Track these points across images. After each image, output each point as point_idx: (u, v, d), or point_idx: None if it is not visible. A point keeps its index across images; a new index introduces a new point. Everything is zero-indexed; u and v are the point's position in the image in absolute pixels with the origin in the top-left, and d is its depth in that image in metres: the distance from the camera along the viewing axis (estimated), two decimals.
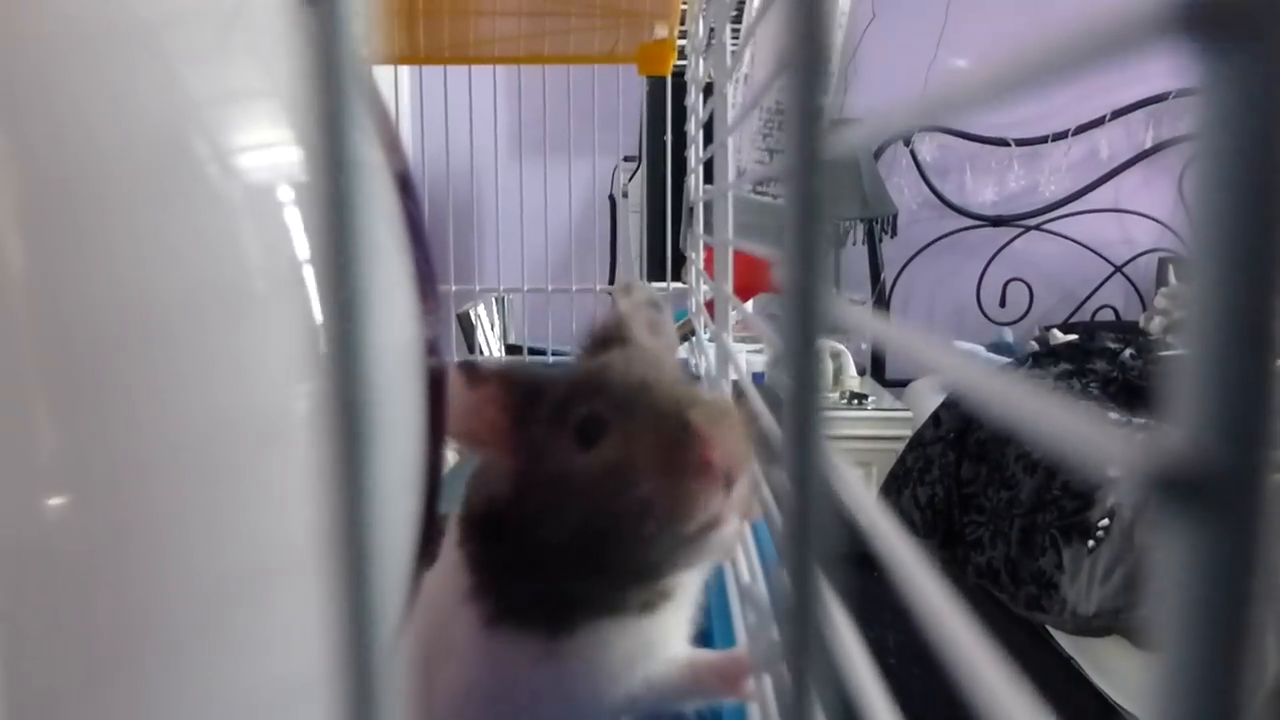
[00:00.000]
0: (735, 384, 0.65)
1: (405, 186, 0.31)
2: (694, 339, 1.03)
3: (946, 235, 2.50)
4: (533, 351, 1.40)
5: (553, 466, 0.34)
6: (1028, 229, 2.48)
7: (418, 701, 0.37)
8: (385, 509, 0.11)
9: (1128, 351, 1.68)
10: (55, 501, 0.18)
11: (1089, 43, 0.08)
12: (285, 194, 0.22)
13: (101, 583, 0.19)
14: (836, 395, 2.03)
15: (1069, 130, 2.39)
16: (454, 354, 1.40)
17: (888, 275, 2.43)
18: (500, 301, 1.85)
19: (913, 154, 2.46)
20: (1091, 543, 1.24)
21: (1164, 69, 2.06)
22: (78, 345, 0.19)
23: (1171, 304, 1.99)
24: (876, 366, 2.39)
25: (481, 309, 1.72)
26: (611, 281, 1.73)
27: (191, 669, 0.20)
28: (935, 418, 1.72)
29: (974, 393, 0.12)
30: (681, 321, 1.37)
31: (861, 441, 1.95)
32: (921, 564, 0.16)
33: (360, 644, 0.11)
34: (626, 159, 2.03)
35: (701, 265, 0.99)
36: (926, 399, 1.93)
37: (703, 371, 0.91)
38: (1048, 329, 2.24)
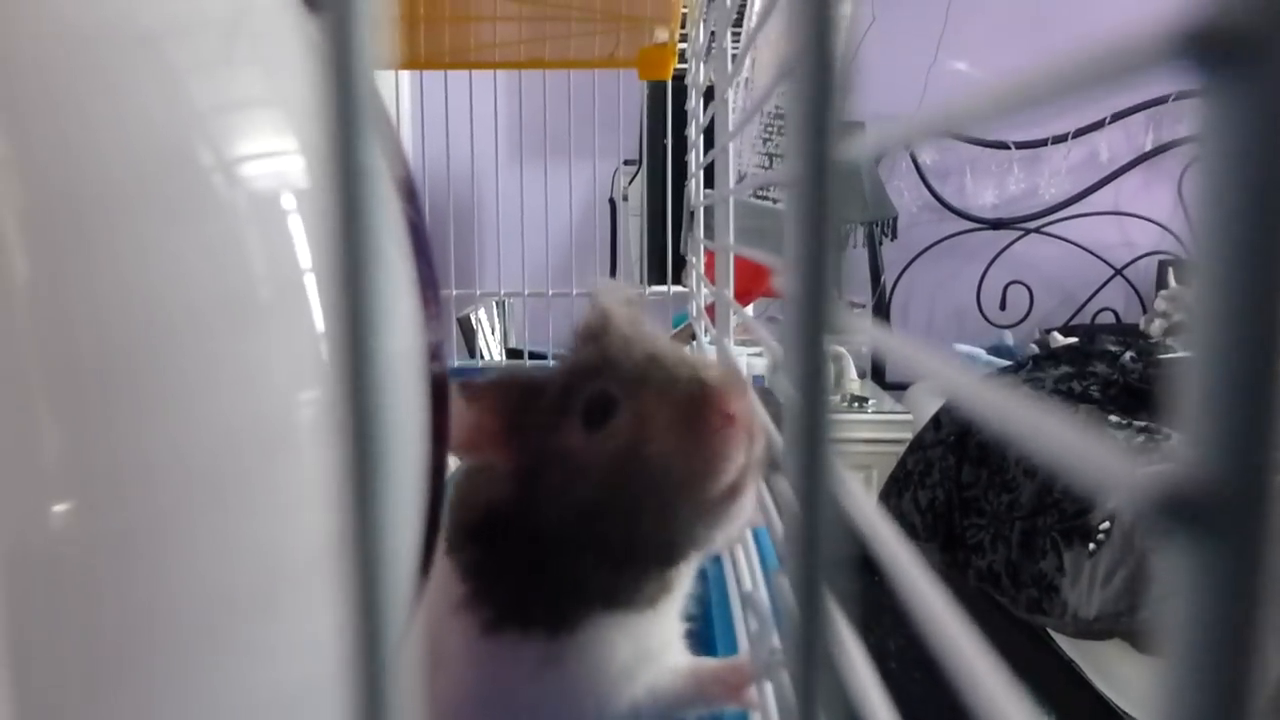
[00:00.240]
0: None
1: (407, 192, 0.31)
2: (694, 343, 1.03)
3: (947, 238, 2.50)
4: (533, 355, 1.40)
5: (561, 452, 0.34)
6: (1028, 232, 2.48)
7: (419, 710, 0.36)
8: (394, 514, 0.11)
9: (1128, 354, 1.68)
10: (61, 509, 0.18)
11: (1094, 67, 0.08)
12: (289, 202, 0.23)
13: (107, 591, 0.19)
14: (838, 398, 2.03)
15: (1069, 133, 2.40)
16: (455, 358, 1.40)
17: (888, 278, 2.43)
18: (501, 305, 1.85)
19: (913, 157, 2.46)
20: (1092, 546, 1.24)
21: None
22: (83, 354, 0.19)
23: (1171, 306, 1.99)
24: (877, 369, 2.39)
25: (482, 313, 1.72)
26: None
27: (197, 676, 0.20)
28: (936, 421, 1.72)
29: (973, 407, 0.12)
30: (682, 326, 1.37)
31: (862, 444, 1.96)
32: (921, 569, 0.16)
33: (372, 648, 0.11)
34: (627, 162, 2.03)
35: (702, 270, 0.99)
36: (927, 402, 1.93)
37: None
38: (1048, 332, 2.24)
